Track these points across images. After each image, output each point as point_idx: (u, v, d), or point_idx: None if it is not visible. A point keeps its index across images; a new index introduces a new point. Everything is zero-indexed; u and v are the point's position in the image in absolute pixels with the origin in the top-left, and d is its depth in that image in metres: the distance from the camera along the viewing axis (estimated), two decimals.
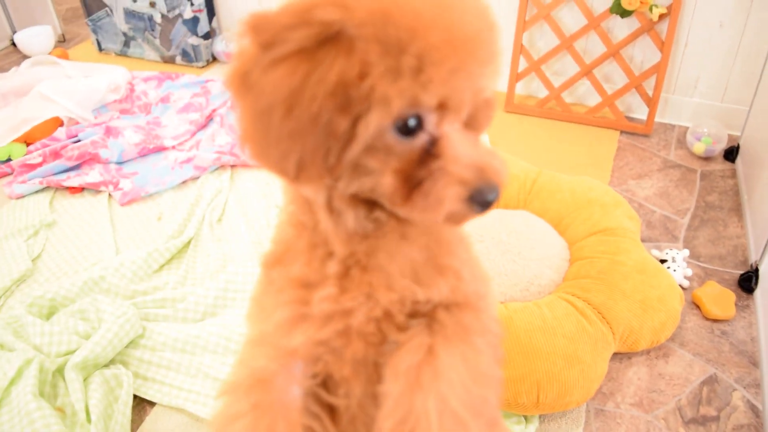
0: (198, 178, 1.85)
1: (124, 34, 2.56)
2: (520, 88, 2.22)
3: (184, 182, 1.84)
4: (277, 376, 0.46)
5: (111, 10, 2.51)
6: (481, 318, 0.49)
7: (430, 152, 0.41)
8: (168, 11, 2.39)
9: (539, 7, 1.99)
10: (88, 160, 1.87)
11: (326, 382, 0.49)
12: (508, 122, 2.10)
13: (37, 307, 1.32)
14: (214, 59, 2.55)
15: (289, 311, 0.46)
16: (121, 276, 1.44)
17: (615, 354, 1.27)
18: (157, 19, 2.44)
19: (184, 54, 2.50)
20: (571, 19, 2.03)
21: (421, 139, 0.41)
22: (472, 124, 0.49)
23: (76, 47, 2.75)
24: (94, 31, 2.62)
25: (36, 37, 2.59)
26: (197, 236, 1.61)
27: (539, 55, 2.08)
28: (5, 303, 1.41)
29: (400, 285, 0.46)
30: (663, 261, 1.46)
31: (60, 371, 1.18)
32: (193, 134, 2.06)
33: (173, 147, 1.99)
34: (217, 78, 2.33)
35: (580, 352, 1.14)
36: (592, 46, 2.05)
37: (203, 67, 2.51)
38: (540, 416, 1.17)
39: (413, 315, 0.48)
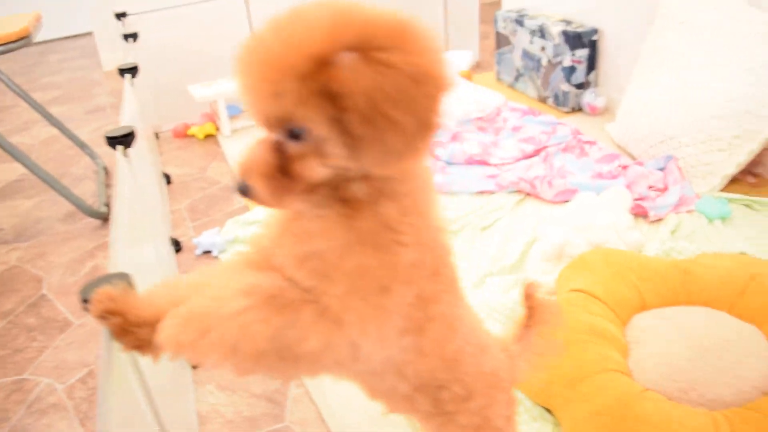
0: (493, 193, 2.13)
1: (517, 69, 2.99)
2: None
3: (480, 192, 2.15)
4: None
5: (513, 48, 2.97)
6: (313, 307, 0.60)
7: None
8: (553, 57, 2.70)
9: None
10: None
11: None
12: None
13: None
14: (580, 108, 2.75)
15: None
16: None
17: None
18: (544, 62, 2.77)
19: (555, 97, 2.78)
20: None
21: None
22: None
23: (482, 73, 3.33)
24: (498, 62, 3.13)
25: (457, 58, 3.24)
26: (459, 231, 1.91)
27: None
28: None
29: (283, 261, 0.65)
30: None
31: None
32: (517, 160, 2.34)
33: (495, 165, 2.31)
34: (569, 124, 2.53)
35: None
36: None
37: (567, 113, 2.74)
38: None
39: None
